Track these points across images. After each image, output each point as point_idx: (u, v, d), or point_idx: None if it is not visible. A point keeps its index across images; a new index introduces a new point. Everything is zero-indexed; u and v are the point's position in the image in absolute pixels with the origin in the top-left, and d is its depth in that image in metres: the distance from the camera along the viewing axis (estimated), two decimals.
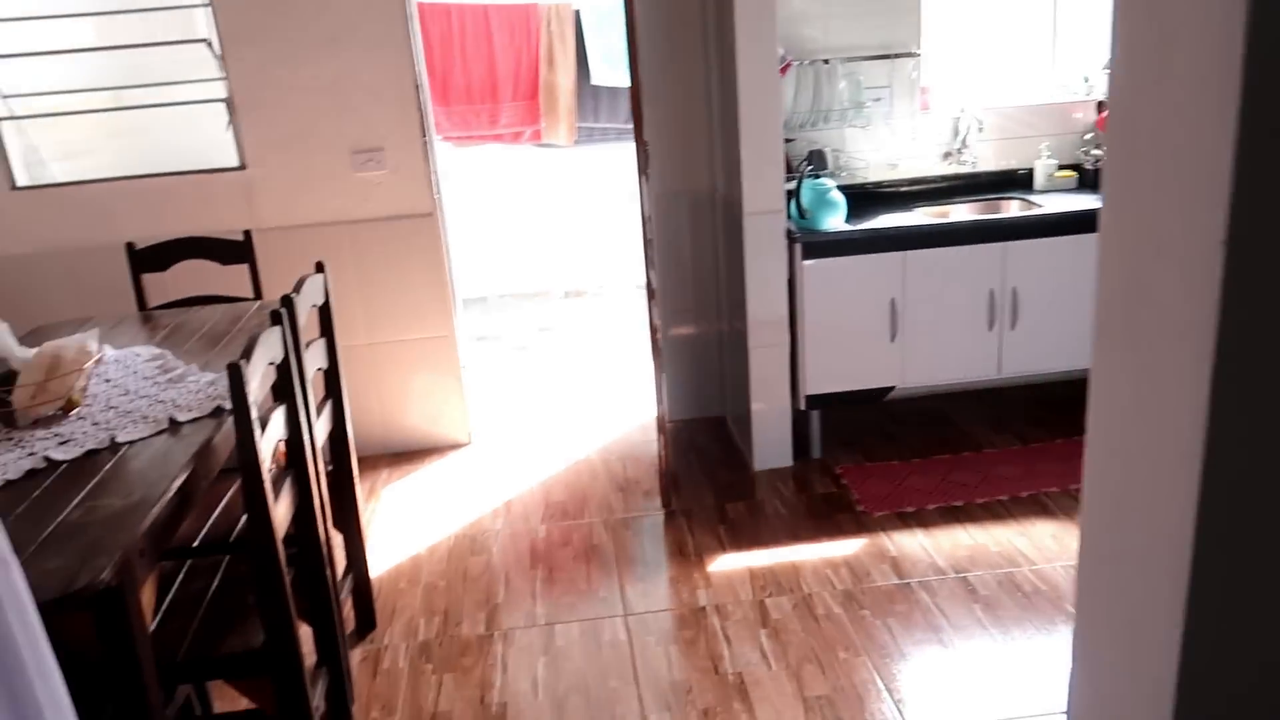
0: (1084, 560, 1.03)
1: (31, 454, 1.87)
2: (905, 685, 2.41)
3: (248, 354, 1.74)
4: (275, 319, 1.95)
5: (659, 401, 3.34)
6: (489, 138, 5.19)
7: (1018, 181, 3.85)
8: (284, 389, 2.02)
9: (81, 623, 1.52)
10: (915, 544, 3.02)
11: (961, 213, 3.74)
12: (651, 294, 3.20)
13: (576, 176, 6.01)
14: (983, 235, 3.42)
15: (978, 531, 3.07)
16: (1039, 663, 2.47)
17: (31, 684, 0.78)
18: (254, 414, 1.71)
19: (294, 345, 2.06)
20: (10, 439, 1.94)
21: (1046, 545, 2.97)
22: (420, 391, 3.87)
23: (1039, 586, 2.77)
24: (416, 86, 3.53)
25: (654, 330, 3.26)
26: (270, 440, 1.88)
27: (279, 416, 1.94)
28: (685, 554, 3.08)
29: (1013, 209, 3.72)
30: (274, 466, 2.06)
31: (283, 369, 1.99)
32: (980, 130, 3.75)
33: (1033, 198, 3.68)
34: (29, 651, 0.79)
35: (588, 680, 2.52)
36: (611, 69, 5.10)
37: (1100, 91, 3.83)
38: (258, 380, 1.79)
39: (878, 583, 2.83)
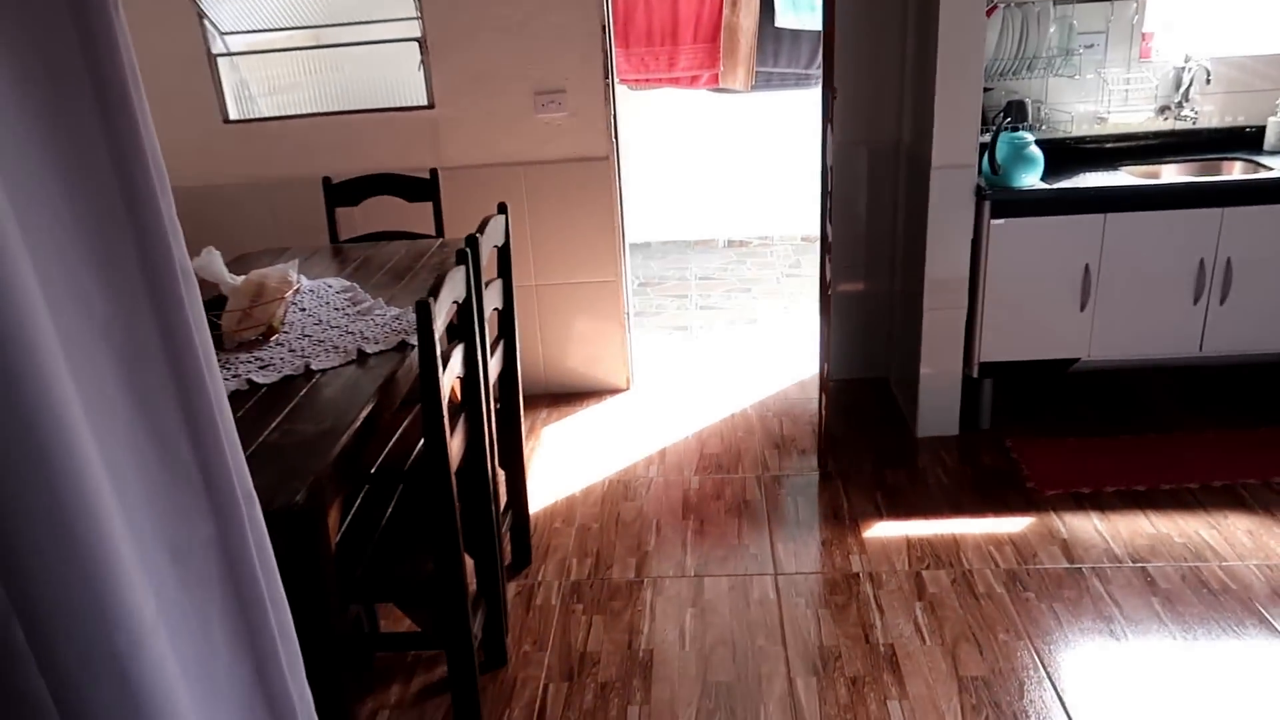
0: None
1: (236, 376, 2.01)
2: (1070, 675, 2.29)
3: (435, 292, 1.79)
4: (460, 259, 2.01)
5: (823, 359, 3.27)
6: (665, 81, 5.13)
7: (1245, 140, 3.49)
8: (464, 327, 2.08)
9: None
10: (1089, 527, 2.85)
11: (1174, 173, 3.43)
12: (827, 248, 3.10)
13: (749, 123, 5.88)
14: (1198, 199, 3.13)
15: (1161, 520, 2.86)
16: (1223, 667, 2.29)
17: (267, 614, 0.84)
18: (439, 351, 1.77)
19: (476, 285, 2.12)
20: (218, 360, 2.09)
21: (1240, 541, 2.74)
22: (583, 335, 3.93)
23: (1228, 585, 2.56)
24: (603, 27, 3.51)
25: (825, 285, 3.17)
26: (450, 376, 1.94)
27: (458, 354, 2.01)
28: (839, 517, 3.03)
29: (1235, 170, 3.39)
30: (452, 401, 2.14)
31: (464, 308, 2.05)
32: (1208, 82, 3.41)
33: (1261, 159, 3.33)
34: (266, 584, 0.85)
35: (735, 636, 2.53)
36: (796, 11, 4.93)
37: None
38: (442, 318, 1.85)
39: (1045, 565, 2.70)
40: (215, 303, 2.13)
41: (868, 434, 3.56)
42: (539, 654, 2.52)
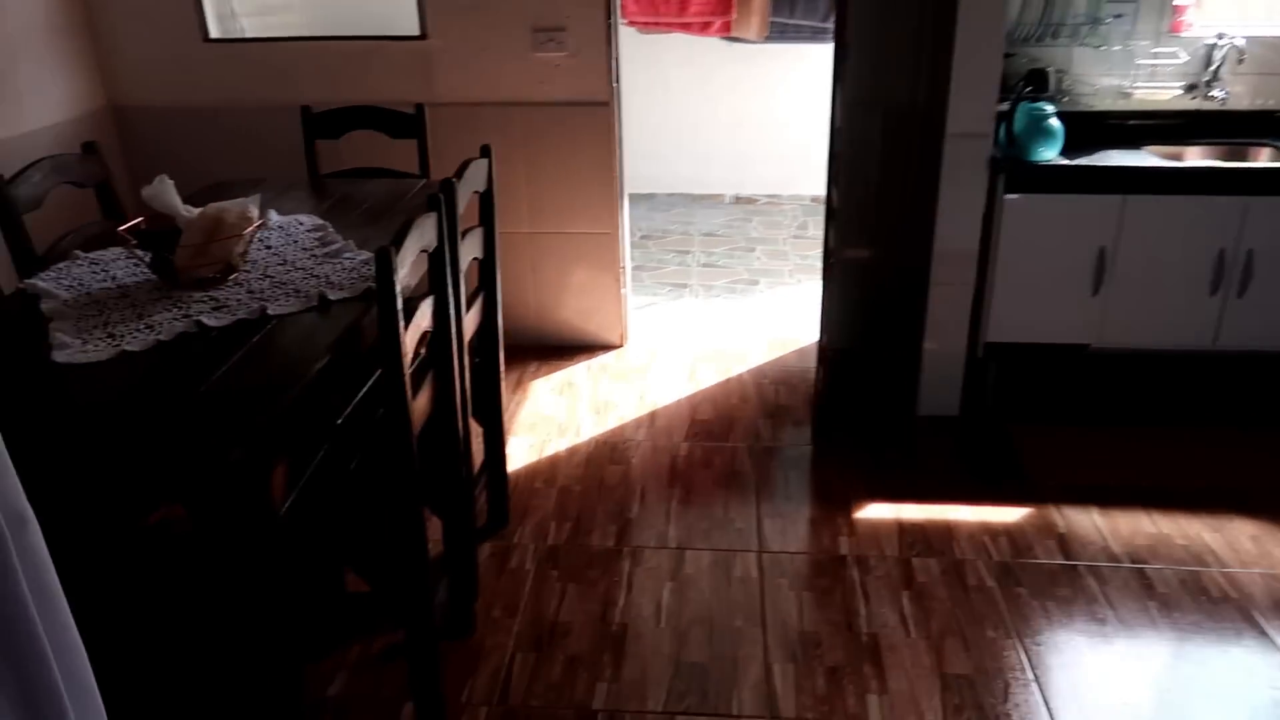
0: None
1: (186, 316, 1.86)
2: (1057, 678, 2.19)
3: (398, 241, 1.64)
4: (432, 204, 1.85)
5: (823, 328, 3.13)
6: (675, 26, 4.90)
7: (1275, 126, 3.30)
8: (435, 279, 1.92)
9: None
10: (1089, 523, 2.73)
11: (1198, 156, 3.26)
12: (831, 213, 2.94)
13: (762, 75, 5.67)
14: (1222, 185, 2.96)
15: (1164, 520, 2.74)
16: (1215, 678, 2.18)
17: (48, 667, 0.69)
18: (399, 304, 1.62)
19: (449, 233, 1.96)
20: (169, 298, 1.95)
21: (1244, 547, 2.62)
22: (578, 287, 3.78)
23: (1228, 592, 2.45)
24: None
25: (829, 252, 3.02)
26: (415, 331, 1.80)
27: (426, 307, 1.86)
28: (830, 495, 2.90)
29: (1263, 157, 3.21)
30: (421, 352, 2.00)
31: (435, 257, 1.90)
32: (1240, 62, 3.22)
33: None
34: (47, 628, 0.70)
35: (713, 614, 2.42)
36: None
37: None
38: (406, 268, 1.70)
39: (1040, 559, 2.58)
40: (170, 236, 1.97)
41: (867, 409, 3.42)
42: (508, 621, 2.41)
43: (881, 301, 3.76)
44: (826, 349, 3.16)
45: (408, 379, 1.70)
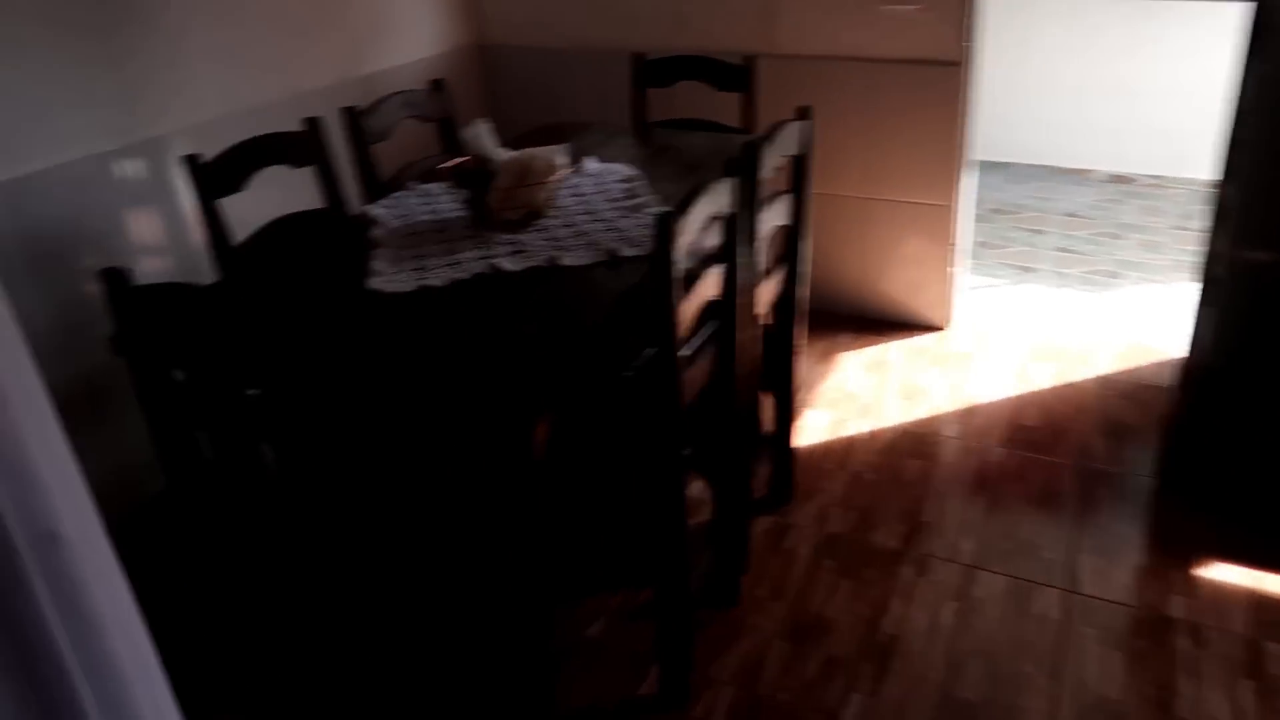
0: None
1: (486, 257, 1.91)
2: None
3: (684, 207, 1.53)
4: (730, 169, 1.72)
5: (1194, 341, 2.62)
6: None
7: None
8: (727, 246, 1.81)
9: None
10: None
11: None
12: (1222, 212, 2.43)
13: (1158, 37, 4.88)
14: None
15: None
16: None
17: (69, 688, 0.65)
18: (673, 273, 1.52)
19: (748, 200, 1.82)
20: (477, 237, 2.01)
21: None
22: (905, 260, 3.50)
23: None
24: None
25: (1212, 256, 2.51)
26: (698, 299, 1.70)
27: (713, 276, 1.75)
28: (1169, 542, 2.45)
29: None
30: (707, 319, 1.91)
31: (729, 224, 1.78)
32: None
33: None
34: (83, 651, 0.65)
35: (997, 649, 2.14)
36: None
37: None
38: (692, 235, 1.60)
39: None
40: (484, 177, 2.02)
41: (1237, 442, 2.85)
42: (772, 604, 2.30)
43: (1273, 317, 3.09)
44: (1194, 366, 2.65)
45: (678, 348, 1.61)
